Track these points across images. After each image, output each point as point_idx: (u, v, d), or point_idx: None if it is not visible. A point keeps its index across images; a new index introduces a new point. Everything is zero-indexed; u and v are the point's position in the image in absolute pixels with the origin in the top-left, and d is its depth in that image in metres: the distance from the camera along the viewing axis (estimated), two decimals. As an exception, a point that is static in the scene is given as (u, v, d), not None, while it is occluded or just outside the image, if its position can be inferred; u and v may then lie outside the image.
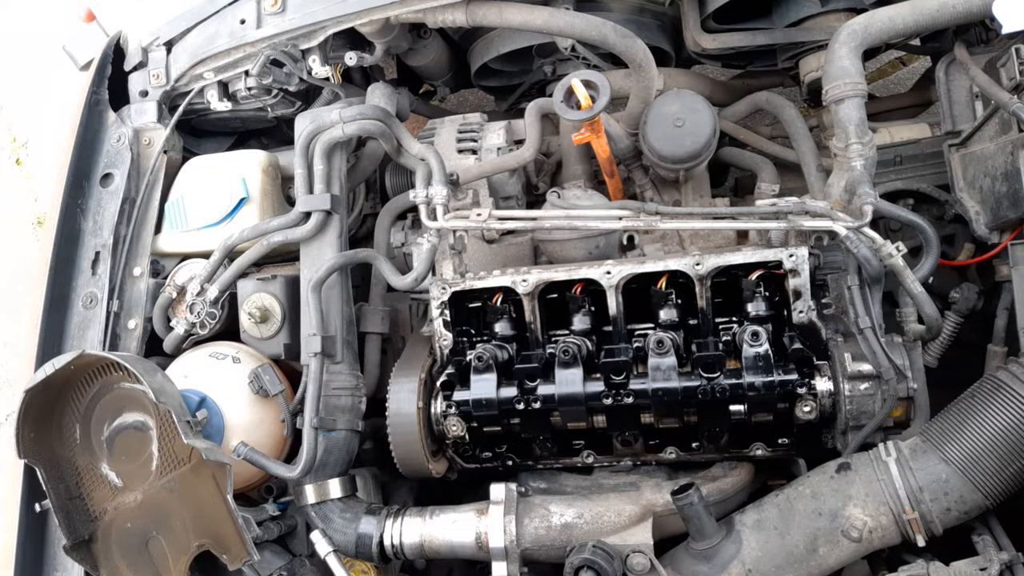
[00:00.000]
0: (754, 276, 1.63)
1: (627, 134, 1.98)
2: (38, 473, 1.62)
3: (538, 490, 1.72)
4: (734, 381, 1.56)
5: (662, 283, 1.65)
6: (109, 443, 1.62)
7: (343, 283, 1.88)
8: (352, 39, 2.01)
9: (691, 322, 1.68)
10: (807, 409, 1.58)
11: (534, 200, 2.19)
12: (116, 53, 2.14)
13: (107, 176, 2.03)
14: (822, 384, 1.58)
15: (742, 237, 1.94)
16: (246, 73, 2.01)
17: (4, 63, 4.10)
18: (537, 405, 1.64)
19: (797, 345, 1.60)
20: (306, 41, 1.96)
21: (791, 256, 1.58)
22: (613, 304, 1.67)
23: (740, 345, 1.58)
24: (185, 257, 2.01)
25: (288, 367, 1.90)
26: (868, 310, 1.60)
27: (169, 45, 2.08)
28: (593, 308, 1.72)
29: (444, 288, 1.76)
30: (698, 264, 1.61)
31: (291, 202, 2.06)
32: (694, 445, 1.70)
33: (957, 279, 1.99)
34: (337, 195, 1.87)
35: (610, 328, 1.70)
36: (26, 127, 4.08)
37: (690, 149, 1.84)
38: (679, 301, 1.67)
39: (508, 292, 1.74)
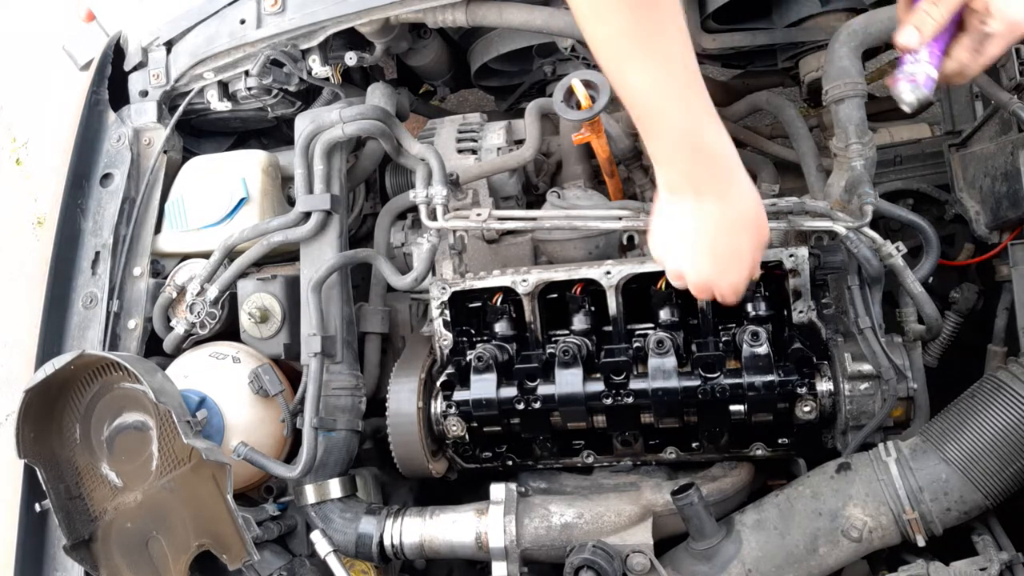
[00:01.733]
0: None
1: (627, 134, 1.98)
2: (38, 473, 1.61)
3: (538, 490, 1.72)
4: (734, 381, 1.56)
5: (662, 283, 1.65)
6: (109, 443, 1.62)
7: (343, 283, 1.88)
8: (352, 39, 2.01)
9: (691, 322, 1.68)
10: (807, 409, 1.58)
11: (534, 200, 2.19)
12: (116, 53, 2.14)
13: (107, 176, 2.03)
14: (822, 384, 1.58)
15: (742, 237, 1.94)
16: (246, 73, 2.01)
17: (4, 63, 4.10)
18: (537, 405, 1.64)
19: (797, 345, 1.60)
20: (306, 41, 1.95)
21: (791, 256, 1.59)
22: (613, 304, 1.67)
23: (740, 345, 1.58)
24: (185, 257, 2.01)
25: (288, 367, 1.90)
26: (868, 310, 1.60)
27: (169, 45, 2.08)
28: (593, 308, 1.72)
29: (444, 288, 1.76)
30: (698, 264, 1.61)
31: (291, 202, 2.06)
32: (694, 445, 1.70)
33: (957, 279, 1.99)
34: (337, 195, 1.87)
35: (610, 328, 1.70)
36: (26, 127, 4.08)
37: (690, 149, 1.84)
38: (679, 301, 1.66)
39: (508, 292, 1.74)
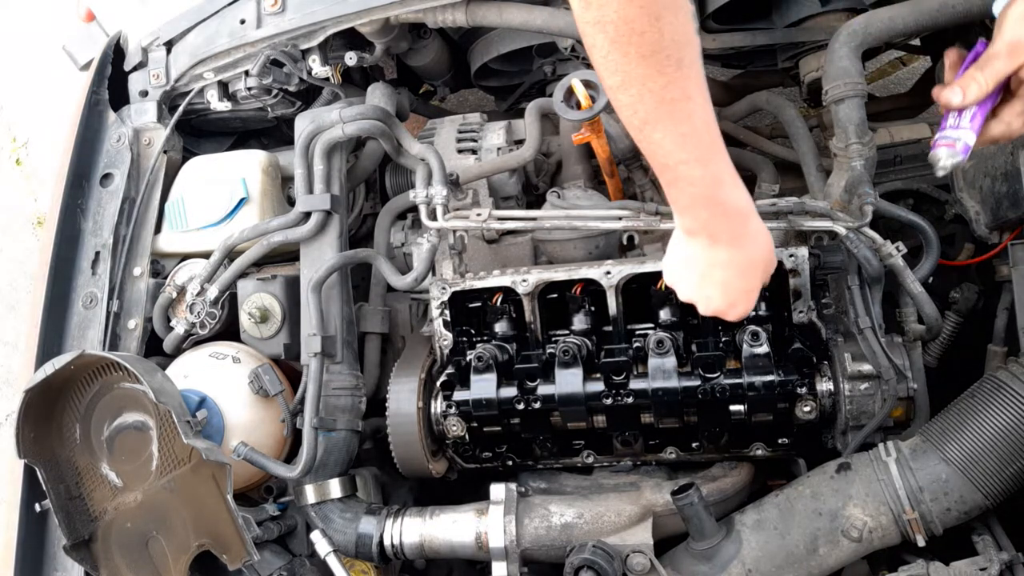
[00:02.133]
0: (754, 276, 1.63)
1: (627, 134, 1.98)
2: (38, 473, 1.62)
3: (538, 490, 1.72)
4: (734, 381, 1.56)
5: (662, 283, 1.65)
6: (109, 443, 1.62)
7: (343, 283, 1.88)
8: (352, 39, 2.01)
9: (691, 322, 1.68)
10: (807, 409, 1.58)
11: (534, 200, 2.19)
12: (116, 53, 2.14)
13: (107, 176, 2.03)
14: (822, 384, 1.58)
15: (742, 237, 1.94)
16: (246, 73, 2.01)
17: (4, 63, 4.10)
18: (537, 405, 1.64)
19: (797, 345, 1.60)
20: (306, 41, 1.95)
21: (791, 256, 1.59)
22: (613, 304, 1.67)
23: (740, 345, 1.58)
24: (185, 257, 2.01)
25: (288, 367, 1.90)
26: (868, 310, 1.60)
27: (169, 45, 2.08)
28: (593, 308, 1.72)
29: (444, 288, 1.76)
30: (698, 264, 1.61)
31: (291, 202, 2.06)
32: (694, 445, 1.70)
33: (957, 279, 1.99)
34: (337, 195, 1.87)
35: (610, 328, 1.70)
36: (26, 127, 4.08)
37: (690, 149, 1.84)
38: (679, 301, 1.66)
39: (508, 292, 1.74)
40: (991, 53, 1.22)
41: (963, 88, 1.24)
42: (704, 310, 1.39)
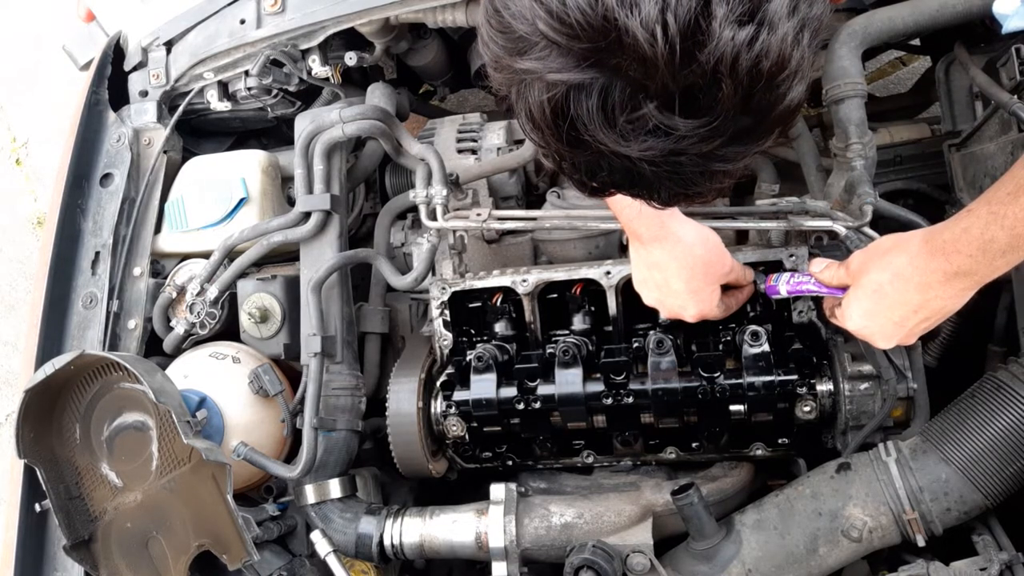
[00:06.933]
0: (754, 276, 1.63)
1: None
2: (38, 473, 1.62)
3: (538, 490, 1.72)
4: (734, 381, 1.56)
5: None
6: (109, 443, 1.62)
7: (343, 283, 1.88)
8: (352, 39, 2.01)
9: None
10: (807, 409, 1.58)
11: (534, 200, 2.18)
12: (116, 53, 2.14)
13: (107, 176, 2.03)
14: (822, 384, 1.58)
15: (742, 237, 1.94)
16: (246, 73, 2.01)
17: (4, 63, 4.10)
18: (537, 405, 1.64)
19: (797, 345, 1.60)
20: (306, 41, 1.95)
21: (791, 256, 1.59)
22: (613, 304, 1.67)
23: (740, 345, 1.58)
24: (185, 257, 2.01)
25: (288, 367, 1.90)
26: (868, 310, 1.60)
27: (169, 45, 2.08)
28: (593, 308, 1.72)
29: (444, 288, 1.76)
30: (698, 264, 1.61)
31: (291, 202, 2.06)
32: (694, 445, 1.70)
33: (957, 279, 1.98)
34: (337, 195, 1.87)
35: (610, 328, 1.70)
36: (26, 127, 4.08)
37: (690, 149, 1.84)
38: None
39: (508, 292, 1.74)
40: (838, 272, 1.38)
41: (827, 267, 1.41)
42: (663, 313, 1.51)
